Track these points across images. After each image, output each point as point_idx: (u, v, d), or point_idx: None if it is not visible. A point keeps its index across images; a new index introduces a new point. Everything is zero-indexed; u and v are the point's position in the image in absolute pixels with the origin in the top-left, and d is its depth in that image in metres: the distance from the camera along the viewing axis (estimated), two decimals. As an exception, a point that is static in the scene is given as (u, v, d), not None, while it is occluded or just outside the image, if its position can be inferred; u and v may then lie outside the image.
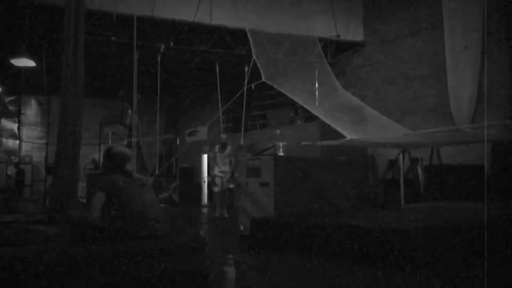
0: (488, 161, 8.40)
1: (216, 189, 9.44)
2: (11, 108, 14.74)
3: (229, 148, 9.37)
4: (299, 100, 8.98)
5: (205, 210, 12.28)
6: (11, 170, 13.33)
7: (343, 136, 7.50)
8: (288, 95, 8.87)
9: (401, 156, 8.59)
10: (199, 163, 14.73)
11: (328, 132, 8.58)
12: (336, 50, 11.29)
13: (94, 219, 3.24)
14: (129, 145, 11.56)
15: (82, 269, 2.80)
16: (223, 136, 9.49)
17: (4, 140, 14.72)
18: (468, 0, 8.91)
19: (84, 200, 10.16)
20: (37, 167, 13.83)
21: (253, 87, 8.69)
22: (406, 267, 4.09)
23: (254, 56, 8.36)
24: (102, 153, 9.81)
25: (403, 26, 10.48)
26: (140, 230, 3.26)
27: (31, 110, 15.13)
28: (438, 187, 8.64)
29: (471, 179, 8.16)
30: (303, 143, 8.52)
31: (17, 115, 14.55)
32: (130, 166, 3.55)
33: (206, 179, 14.06)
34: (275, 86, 8.41)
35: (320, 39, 9.87)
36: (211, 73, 10.82)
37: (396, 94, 10.57)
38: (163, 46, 9.68)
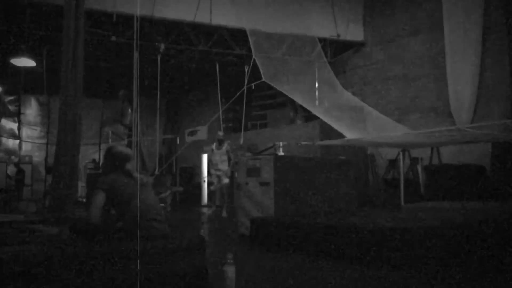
0: (488, 161, 8.40)
1: (212, 188, 9.67)
2: (11, 108, 14.73)
3: (226, 145, 9.58)
4: (299, 100, 8.96)
5: (205, 209, 12.28)
6: (11, 170, 13.31)
7: (343, 136, 7.50)
8: (288, 95, 8.86)
9: (401, 156, 8.58)
10: (199, 163, 14.73)
11: (328, 132, 8.58)
12: (336, 50, 11.29)
13: (94, 219, 3.24)
14: (129, 145, 11.55)
15: (82, 269, 2.80)
16: (220, 133, 9.74)
17: (4, 140, 14.70)
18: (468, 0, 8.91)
19: (84, 200, 10.15)
20: (37, 167, 13.81)
21: (253, 87, 8.68)
22: (406, 267, 4.09)
23: (254, 56, 8.34)
24: (102, 153, 9.82)
25: (403, 26, 10.47)
26: (140, 230, 3.25)
27: (31, 110, 15.09)
28: (438, 187, 8.64)
29: (471, 179, 8.16)
30: (303, 143, 8.51)
31: (17, 115, 14.54)
32: (131, 166, 3.55)
33: (206, 179, 14.07)
34: (275, 86, 8.40)
35: (320, 39, 9.85)
36: (211, 73, 10.81)
37: (396, 94, 10.57)
38: (163, 46, 9.68)
